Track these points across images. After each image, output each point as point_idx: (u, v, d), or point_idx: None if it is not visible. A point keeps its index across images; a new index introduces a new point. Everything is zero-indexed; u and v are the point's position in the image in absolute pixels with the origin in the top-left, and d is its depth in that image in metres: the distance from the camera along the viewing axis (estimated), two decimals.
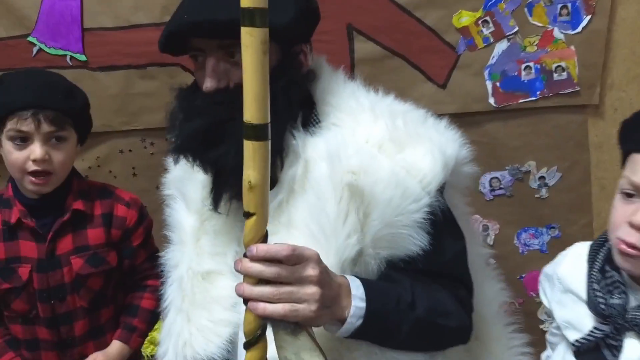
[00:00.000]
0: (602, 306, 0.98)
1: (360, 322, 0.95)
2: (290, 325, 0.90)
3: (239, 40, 0.93)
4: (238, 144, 0.95)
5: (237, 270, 0.90)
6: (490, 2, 1.76)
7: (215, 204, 1.11)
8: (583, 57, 1.78)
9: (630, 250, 0.94)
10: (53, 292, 1.43)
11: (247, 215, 0.88)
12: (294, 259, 0.88)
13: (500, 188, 1.92)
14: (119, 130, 1.98)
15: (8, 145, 1.40)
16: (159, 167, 1.84)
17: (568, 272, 1.08)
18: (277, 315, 0.87)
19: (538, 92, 1.81)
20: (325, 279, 0.91)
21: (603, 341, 0.98)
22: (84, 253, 1.45)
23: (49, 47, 1.95)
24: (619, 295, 0.98)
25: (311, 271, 0.89)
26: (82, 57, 1.93)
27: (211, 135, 1.02)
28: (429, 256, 1.02)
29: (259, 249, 0.87)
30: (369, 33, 1.81)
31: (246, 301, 0.92)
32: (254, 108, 0.84)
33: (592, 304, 1.00)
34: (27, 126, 1.37)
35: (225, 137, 1.01)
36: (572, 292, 1.06)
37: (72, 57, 1.93)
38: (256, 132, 0.85)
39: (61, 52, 1.95)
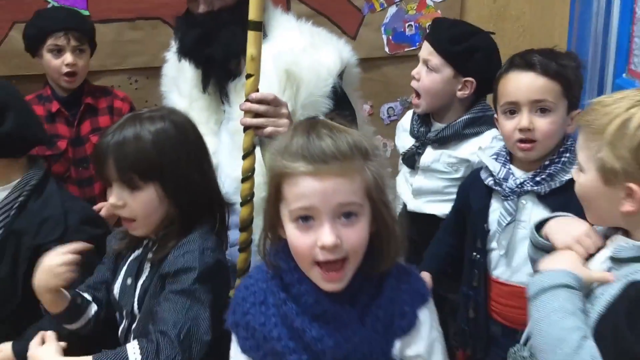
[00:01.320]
0: (415, 132, 1.76)
1: None
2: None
3: None
4: (224, 44, 1.63)
5: (241, 109, 1.56)
6: None
7: (205, 87, 1.79)
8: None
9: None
10: (81, 161, 2.10)
11: (248, 76, 1.55)
12: (275, 102, 1.56)
13: (395, 115, 2.66)
14: (112, 69, 2.56)
15: (48, 56, 2.06)
16: (142, 99, 2.50)
17: (406, 120, 1.86)
18: (267, 133, 1.55)
19: (417, 43, 2.55)
20: (290, 117, 1.60)
21: (416, 149, 1.76)
22: (98, 132, 2.11)
23: (60, 4, 2.57)
24: (425, 127, 1.77)
25: (285, 110, 1.58)
26: (86, 12, 2.50)
27: (206, 39, 1.70)
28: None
29: (257, 94, 1.55)
30: None
31: (246, 129, 1.59)
32: (257, 11, 1.51)
33: (411, 131, 1.78)
34: (62, 41, 2.04)
35: (215, 39, 1.69)
36: (405, 130, 1.83)
37: None
38: (257, 26, 1.52)
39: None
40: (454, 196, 1.69)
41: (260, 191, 1.69)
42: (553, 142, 1.46)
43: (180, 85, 1.88)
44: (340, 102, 1.75)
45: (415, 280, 1.11)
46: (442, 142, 1.77)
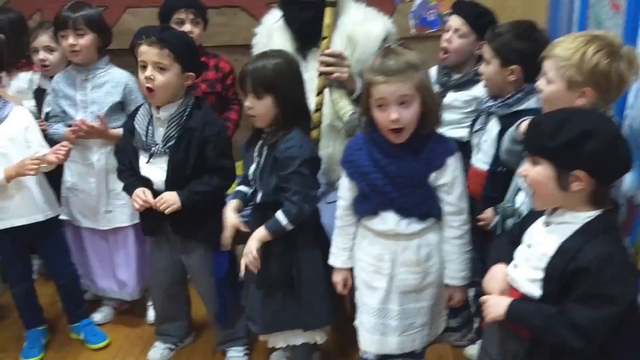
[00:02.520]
0: (440, 81, 2.54)
1: (359, 91, 2.40)
2: (339, 84, 2.35)
3: None
4: (320, 17, 2.38)
5: (320, 62, 2.33)
6: None
7: (301, 49, 2.49)
8: None
9: None
10: None
11: (323, 38, 2.33)
12: (341, 56, 2.33)
13: None
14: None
15: (174, 27, 2.76)
16: None
17: (432, 73, 2.61)
18: (334, 77, 2.32)
19: (437, 27, 3.29)
20: (350, 67, 2.36)
21: (440, 93, 2.52)
22: (206, 82, 2.88)
23: None
24: (447, 77, 2.56)
25: (347, 62, 2.34)
26: None
27: (315, 18, 2.39)
28: None
29: (329, 50, 2.32)
30: None
31: (319, 74, 2.34)
32: None
33: (437, 80, 2.55)
34: (183, 15, 2.80)
35: (317, 17, 2.39)
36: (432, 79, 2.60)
37: None
38: (333, 4, 2.31)
39: None
40: (468, 124, 2.45)
41: (326, 119, 2.47)
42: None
43: (272, 46, 2.64)
44: None
45: (447, 142, 1.92)
46: (460, 86, 2.54)
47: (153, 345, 2.65)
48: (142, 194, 2.26)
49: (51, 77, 2.79)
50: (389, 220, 1.90)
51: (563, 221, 1.54)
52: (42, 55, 2.83)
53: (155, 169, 2.29)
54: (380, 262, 1.93)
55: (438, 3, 3.25)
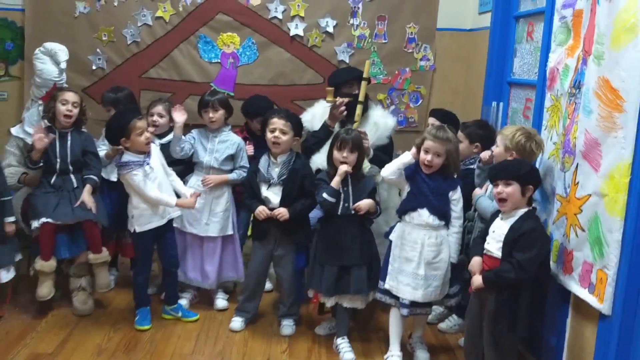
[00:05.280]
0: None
1: (371, 155, 3.97)
2: None
3: (353, 82, 4.03)
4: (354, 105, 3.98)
5: None
6: (390, 92, 4.97)
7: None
8: (420, 115, 5.00)
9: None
10: None
11: (354, 122, 3.89)
12: (365, 133, 3.83)
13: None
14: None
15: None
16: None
17: None
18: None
19: (403, 125, 4.95)
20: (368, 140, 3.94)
21: None
22: None
23: (219, 88, 4.79)
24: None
25: (368, 137, 3.87)
26: (232, 94, 4.78)
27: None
28: (387, 150, 4.10)
29: (358, 129, 3.87)
30: None
31: None
32: (362, 96, 3.91)
33: None
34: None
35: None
36: None
37: (227, 94, 4.72)
38: (367, 80, 3.92)
39: (224, 91, 4.73)
40: None
41: None
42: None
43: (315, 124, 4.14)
44: (391, 141, 4.14)
45: (457, 179, 3.43)
46: None
47: (232, 319, 3.85)
48: (263, 210, 3.61)
49: (157, 135, 4.08)
50: (423, 214, 3.35)
51: (511, 215, 3.05)
52: (155, 118, 4.10)
53: (271, 194, 3.67)
54: (415, 243, 3.36)
55: (405, 110, 4.98)
